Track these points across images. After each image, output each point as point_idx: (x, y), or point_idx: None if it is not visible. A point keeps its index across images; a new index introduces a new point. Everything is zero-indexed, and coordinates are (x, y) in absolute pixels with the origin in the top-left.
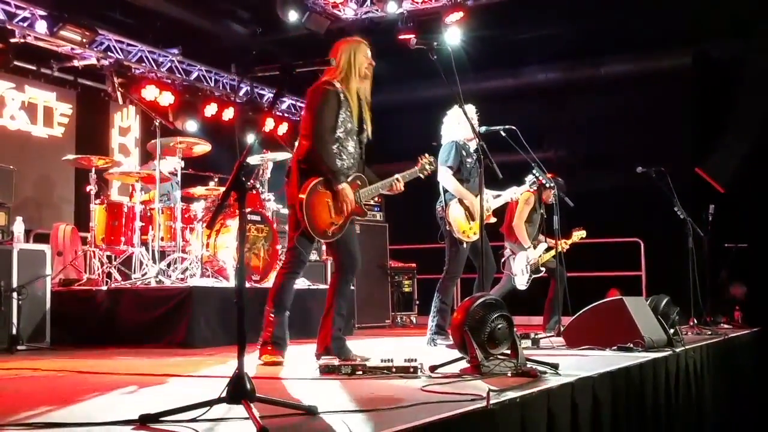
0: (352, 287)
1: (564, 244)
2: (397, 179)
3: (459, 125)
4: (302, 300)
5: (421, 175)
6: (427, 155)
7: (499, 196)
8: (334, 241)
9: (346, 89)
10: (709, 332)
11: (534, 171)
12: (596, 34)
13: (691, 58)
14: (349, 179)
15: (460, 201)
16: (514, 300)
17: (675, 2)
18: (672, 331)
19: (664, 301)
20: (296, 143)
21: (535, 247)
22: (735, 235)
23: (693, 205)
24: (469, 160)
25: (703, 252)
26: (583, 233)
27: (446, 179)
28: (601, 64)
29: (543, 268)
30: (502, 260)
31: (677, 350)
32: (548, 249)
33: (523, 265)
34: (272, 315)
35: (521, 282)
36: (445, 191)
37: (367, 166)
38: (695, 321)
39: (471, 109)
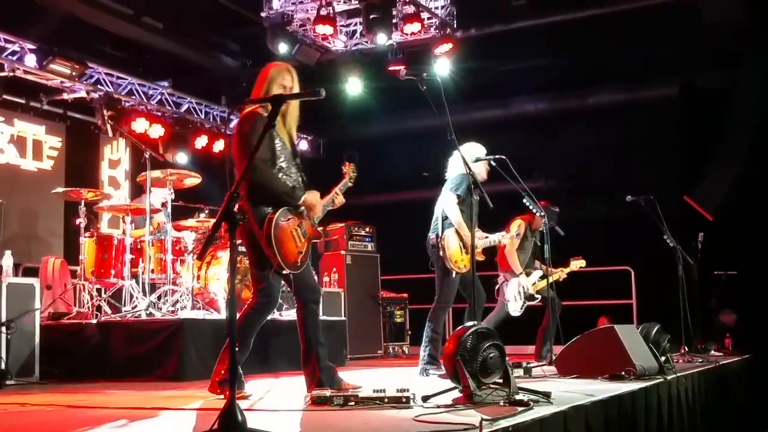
0: (325, 316)
1: (561, 273)
2: (336, 193)
3: (473, 164)
4: (293, 331)
5: (350, 184)
6: (348, 163)
7: (486, 237)
8: (294, 275)
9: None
10: (700, 359)
11: (524, 200)
12: (584, 65)
13: (678, 88)
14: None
15: (457, 231)
16: (506, 329)
17: (662, 34)
18: (663, 358)
19: (655, 329)
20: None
21: (528, 275)
22: (724, 263)
23: (682, 233)
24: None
25: (693, 280)
26: (582, 263)
27: (452, 206)
28: (589, 95)
29: (538, 296)
30: (496, 288)
31: (669, 378)
32: (543, 277)
33: (515, 291)
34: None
35: (514, 309)
36: (443, 219)
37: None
38: (686, 348)
39: (481, 150)
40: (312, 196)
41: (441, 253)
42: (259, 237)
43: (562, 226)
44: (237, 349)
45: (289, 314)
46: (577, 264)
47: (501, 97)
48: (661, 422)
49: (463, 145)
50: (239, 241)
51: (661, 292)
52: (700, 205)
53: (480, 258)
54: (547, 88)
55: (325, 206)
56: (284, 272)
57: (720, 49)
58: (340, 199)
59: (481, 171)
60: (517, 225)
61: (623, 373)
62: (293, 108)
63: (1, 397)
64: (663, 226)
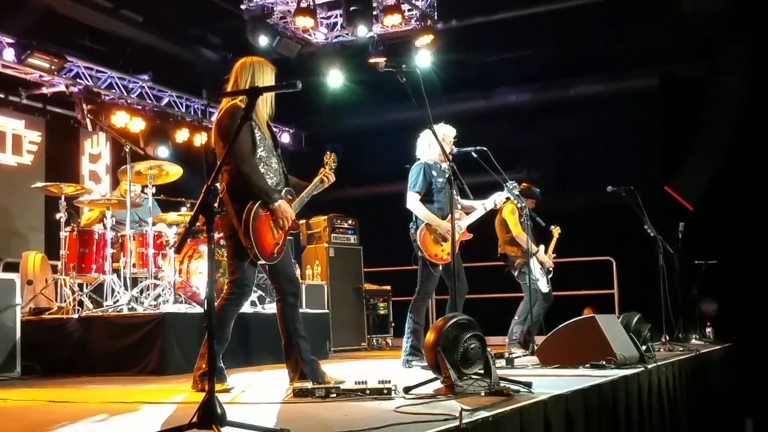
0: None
1: (551, 247)
2: (322, 179)
3: (430, 147)
4: (276, 324)
5: (332, 177)
6: (328, 153)
7: (471, 212)
8: (273, 266)
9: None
10: (681, 348)
11: (511, 189)
12: (566, 56)
13: (659, 79)
14: (281, 194)
15: (429, 225)
16: (488, 320)
17: (642, 25)
18: (644, 347)
19: (636, 318)
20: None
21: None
22: (705, 252)
23: (663, 223)
24: (440, 180)
25: (673, 269)
26: (558, 229)
27: (414, 205)
28: (570, 86)
29: (551, 269)
30: (515, 274)
31: (649, 367)
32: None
33: (538, 269)
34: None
35: (543, 285)
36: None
37: (289, 180)
38: (667, 338)
39: (450, 130)
40: (285, 208)
41: (419, 247)
42: (237, 228)
43: (544, 216)
44: (217, 344)
45: (272, 307)
46: (556, 231)
47: (483, 89)
48: (642, 411)
49: (425, 131)
50: (220, 234)
51: (642, 282)
52: (680, 195)
53: (466, 237)
54: (528, 80)
55: (303, 198)
56: (260, 263)
57: (700, 39)
58: (330, 177)
59: (439, 154)
60: (511, 210)
61: (604, 362)
62: (270, 99)
63: None
64: (644, 216)
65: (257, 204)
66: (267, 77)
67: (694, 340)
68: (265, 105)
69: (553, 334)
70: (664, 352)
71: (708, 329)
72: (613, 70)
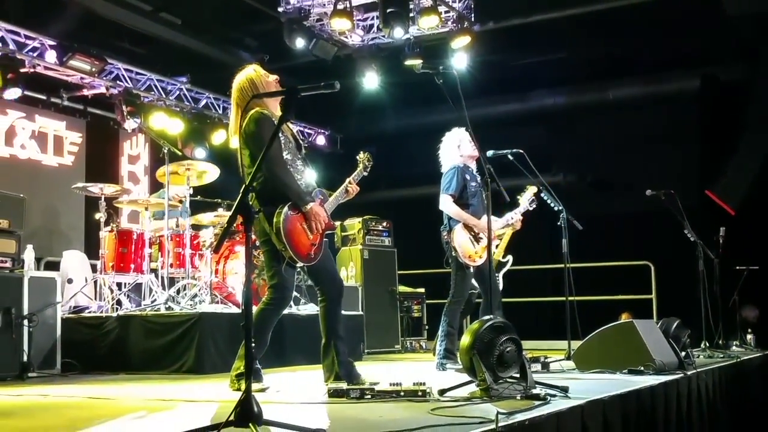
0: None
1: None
2: (350, 182)
3: (458, 148)
4: (310, 325)
5: (365, 173)
6: (362, 153)
7: (497, 220)
8: (314, 267)
9: (270, 113)
10: (721, 355)
11: (542, 194)
12: (603, 58)
13: (699, 81)
14: (312, 196)
15: (465, 225)
16: (523, 324)
17: (682, 26)
18: (683, 353)
19: (675, 324)
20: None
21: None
22: (746, 258)
23: (703, 228)
24: (473, 183)
25: (714, 275)
26: (534, 189)
27: (448, 206)
28: (609, 88)
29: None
30: None
31: (689, 373)
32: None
33: None
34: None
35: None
36: (450, 216)
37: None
38: (707, 344)
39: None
40: (318, 210)
41: (453, 249)
42: (269, 231)
43: (581, 220)
44: (254, 345)
45: (307, 309)
46: (531, 190)
47: (519, 91)
48: (681, 418)
49: (448, 134)
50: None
51: (682, 287)
52: (721, 200)
53: (495, 242)
54: (565, 82)
55: (337, 197)
56: (298, 265)
57: (742, 41)
58: (353, 188)
59: (470, 153)
60: None
61: (642, 368)
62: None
63: (24, 389)
64: (684, 221)
65: (286, 206)
66: (269, 87)
67: (734, 347)
68: (279, 106)
69: (590, 339)
70: (704, 358)
71: (749, 336)
72: (652, 72)
